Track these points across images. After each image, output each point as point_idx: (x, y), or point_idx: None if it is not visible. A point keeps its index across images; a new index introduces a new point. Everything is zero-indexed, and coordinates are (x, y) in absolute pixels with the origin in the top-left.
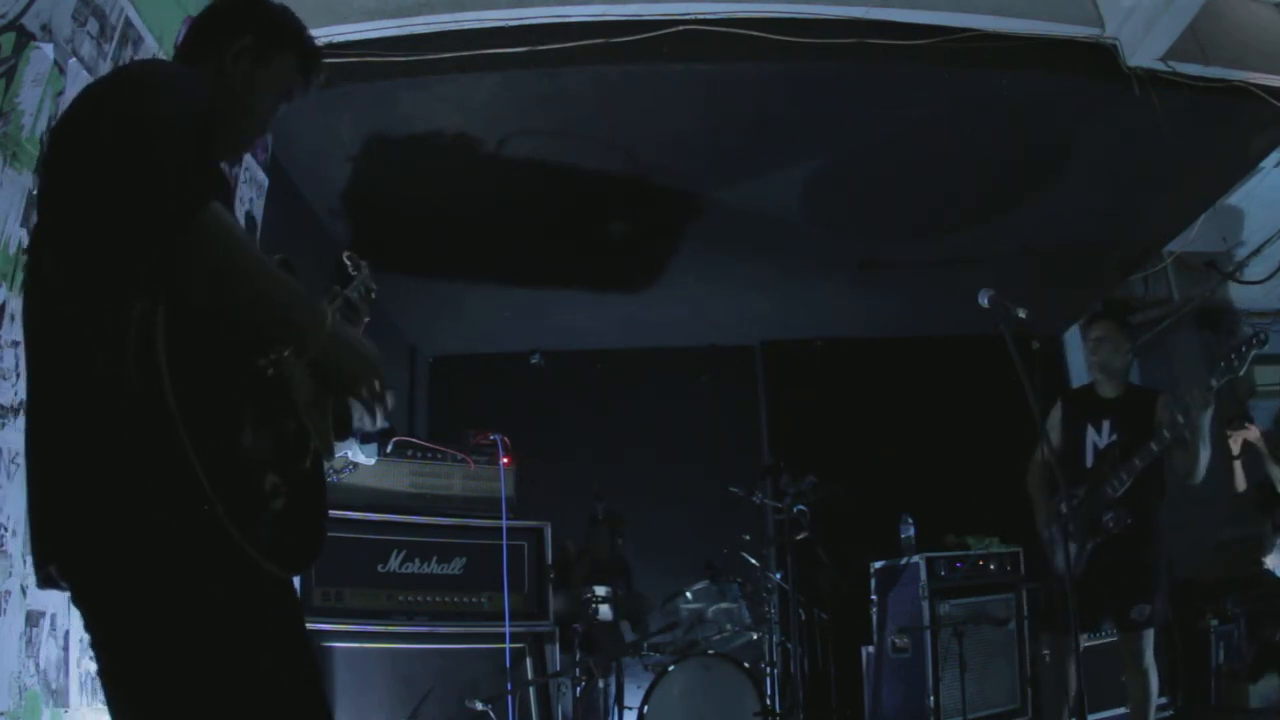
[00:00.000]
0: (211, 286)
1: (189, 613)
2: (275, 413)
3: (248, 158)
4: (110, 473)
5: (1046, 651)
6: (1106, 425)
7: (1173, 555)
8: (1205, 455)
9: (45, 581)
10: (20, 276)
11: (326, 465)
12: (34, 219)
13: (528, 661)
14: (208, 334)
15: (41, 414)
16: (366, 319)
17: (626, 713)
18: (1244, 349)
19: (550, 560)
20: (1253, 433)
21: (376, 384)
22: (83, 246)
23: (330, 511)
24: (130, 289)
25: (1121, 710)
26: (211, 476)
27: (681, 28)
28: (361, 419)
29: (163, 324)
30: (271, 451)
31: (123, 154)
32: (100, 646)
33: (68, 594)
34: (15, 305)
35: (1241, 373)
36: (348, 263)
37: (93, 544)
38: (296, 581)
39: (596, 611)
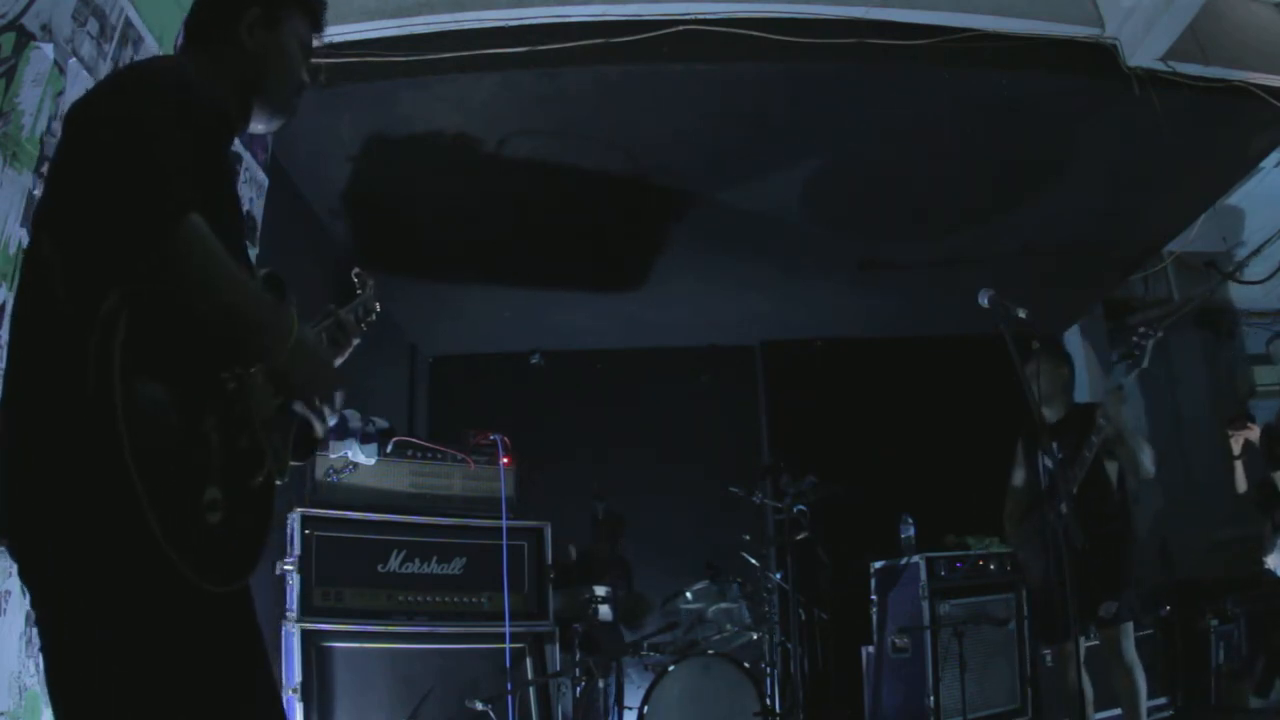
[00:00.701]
0: (184, 295)
1: (109, 609)
2: (229, 427)
3: (248, 157)
4: (52, 462)
5: (1046, 652)
6: (1055, 447)
7: (1173, 555)
8: (1146, 451)
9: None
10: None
11: (323, 467)
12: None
13: (528, 661)
14: (173, 340)
15: (10, 390)
16: (356, 340)
17: (626, 713)
18: (1141, 341)
19: (550, 560)
20: (1254, 432)
21: (327, 399)
22: (72, 237)
23: (330, 512)
24: (108, 283)
25: (1118, 711)
26: (146, 480)
27: (681, 28)
28: (316, 423)
29: (125, 324)
30: (218, 465)
31: (117, 156)
32: (38, 624)
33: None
34: None
35: (1145, 364)
36: (355, 280)
37: (32, 529)
38: (296, 582)
39: (596, 611)
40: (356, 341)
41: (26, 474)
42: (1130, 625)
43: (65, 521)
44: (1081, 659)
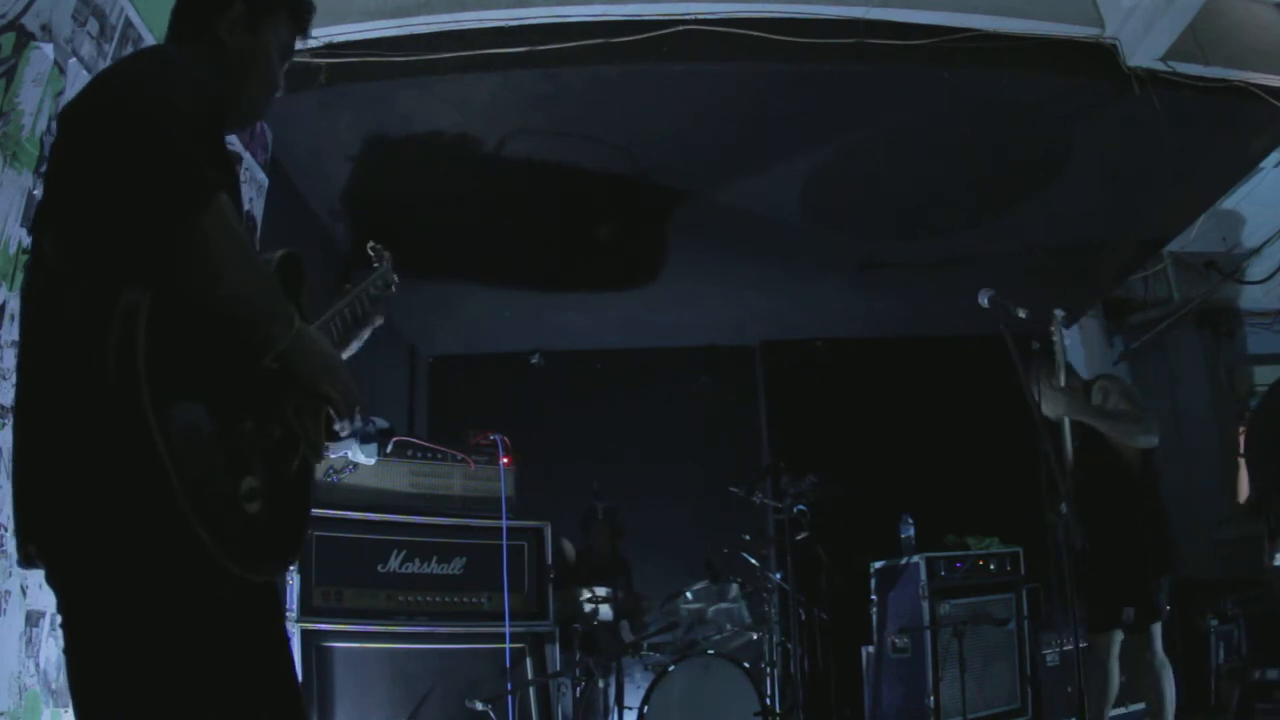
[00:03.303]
0: (204, 279)
1: (145, 606)
2: (262, 414)
3: (248, 157)
4: (84, 463)
5: (1047, 652)
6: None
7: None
8: (1121, 424)
9: (26, 560)
10: (20, 277)
11: (323, 467)
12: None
13: (528, 661)
14: (198, 331)
15: (28, 395)
16: (379, 320)
17: (626, 713)
18: (1051, 337)
19: (550, 560)
20: None
21: (340, 386)
22: (84, 231)
23: (330, 512)
24: (122, 278)
25: (1123, 710)
26: (182, 476)
27: (681, 28)
28: (337, 421)
29: (146, 317)
30: (254, 453)
31: (133, 142)
32: (64, 625)
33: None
34: (16, 305)
35: (1055, 355)
36: (371, 253)
37: (65, 531)
38: (295, 582)
39: (596, 611)
40: (380, 321)
41: (54, 477)
42: (1158, 626)
43: (100, 521)
44: (1100, 655)
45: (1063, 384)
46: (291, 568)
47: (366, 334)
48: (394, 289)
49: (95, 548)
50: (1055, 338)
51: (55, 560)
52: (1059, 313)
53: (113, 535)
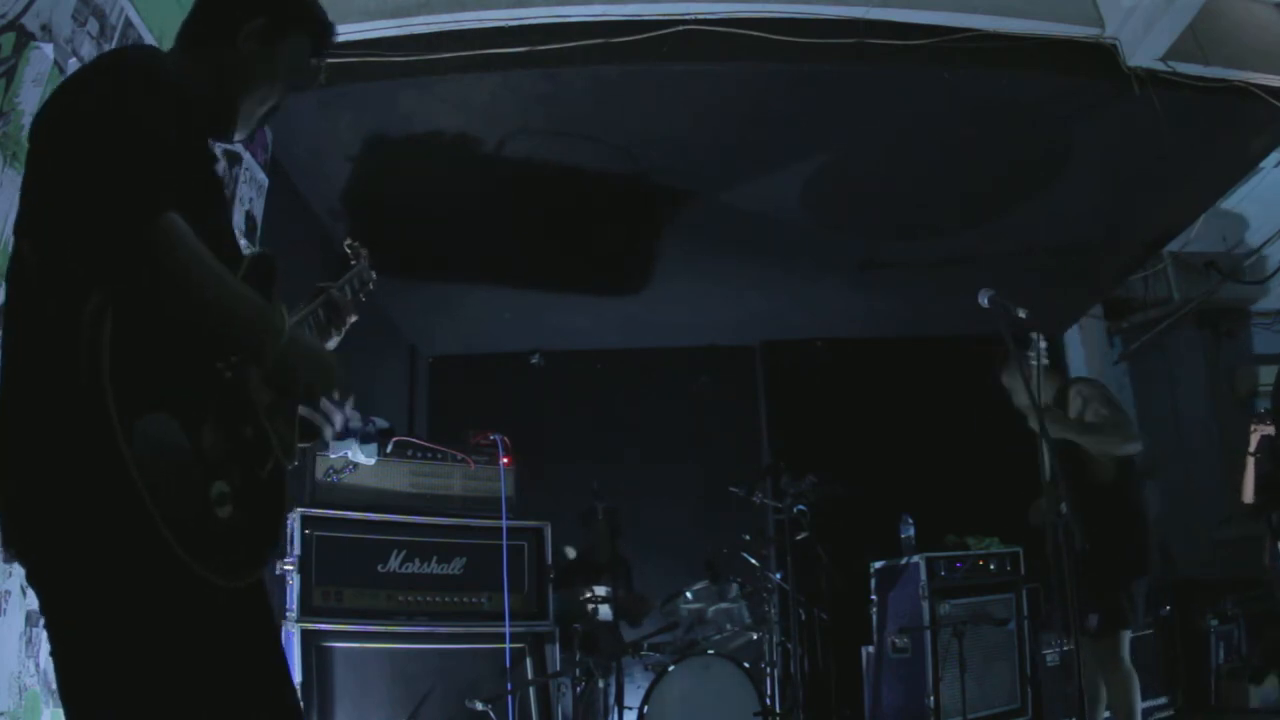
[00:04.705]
0: (164, 295)
1: (120, 611)
2: (231, 417)
3: (248, 157)
4: (54, 468)
5: (1047, 652)
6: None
7: (1173, 555)
8: (1103, 437)
9: (9, 559)
10: None
11: (323, 467)
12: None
13: (528, 661)
14: (163, 335)
15: (6, 395)
16: (353, 318)
17: (626, 713)
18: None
19: (550, 560)
20: (1271, 429)
21: (335, 391)
22: (50, 239)
23: (330, 511)
24: (88, 284)
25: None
26: (148, 481)
27: (681, 28)
28: (325, 425)
29: (111, 322)
30: (223, 457)
31: (91, 152)
32: (47, 627)
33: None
34: None
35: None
36: (348, 251)
37: (40, 533)
38: (296, 582)
39: (596, 611)
40: (354, 319)
41: (27, 480)
42: (1125, 634)
43: (70, 527)
44: (1083, 659)
45: (1039, 403)
46: (290, 568)
47: (340, 335)
48: (371, 285)
49: (68, 552)
50: (1031, 359)
51: (34, 562)
52: (1035, 336)
53: (83, 540)
